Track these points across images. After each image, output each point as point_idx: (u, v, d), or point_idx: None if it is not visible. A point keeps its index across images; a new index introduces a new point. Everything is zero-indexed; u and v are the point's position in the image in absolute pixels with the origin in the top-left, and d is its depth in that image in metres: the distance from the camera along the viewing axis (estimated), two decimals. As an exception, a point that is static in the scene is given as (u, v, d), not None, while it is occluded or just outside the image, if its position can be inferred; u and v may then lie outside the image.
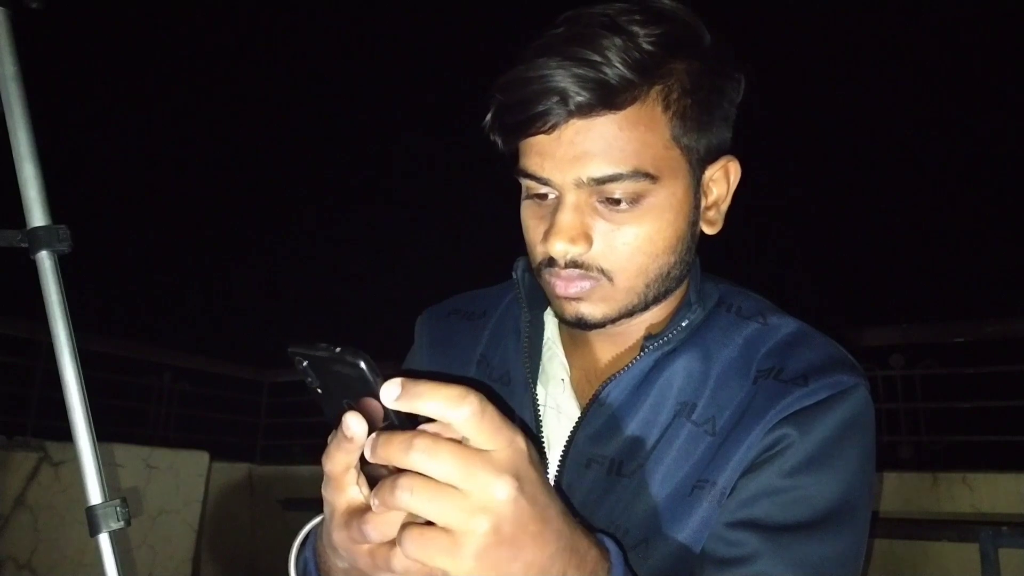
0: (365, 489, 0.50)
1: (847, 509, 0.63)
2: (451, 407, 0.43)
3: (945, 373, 3.60)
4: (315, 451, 0.53)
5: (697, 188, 0.69)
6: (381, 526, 0.47)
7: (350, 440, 0.46)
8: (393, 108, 12.76)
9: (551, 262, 0.67)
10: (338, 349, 0.45)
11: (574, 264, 0.66)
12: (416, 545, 0.43)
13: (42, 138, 1.25)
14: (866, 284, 9.70)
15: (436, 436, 0.43)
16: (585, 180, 0.64)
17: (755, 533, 0.62)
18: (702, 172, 0.69)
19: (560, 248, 0.65)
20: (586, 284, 0.67)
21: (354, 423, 0.46)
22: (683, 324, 0.71)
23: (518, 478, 0.44)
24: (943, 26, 9.43)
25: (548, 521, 0.46)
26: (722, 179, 0.72)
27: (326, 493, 0.52)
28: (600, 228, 0.66)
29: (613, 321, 0.70)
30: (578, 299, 0.68)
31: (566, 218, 0.65)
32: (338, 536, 0.52)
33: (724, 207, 0.73)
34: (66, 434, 1.19)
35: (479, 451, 0.44)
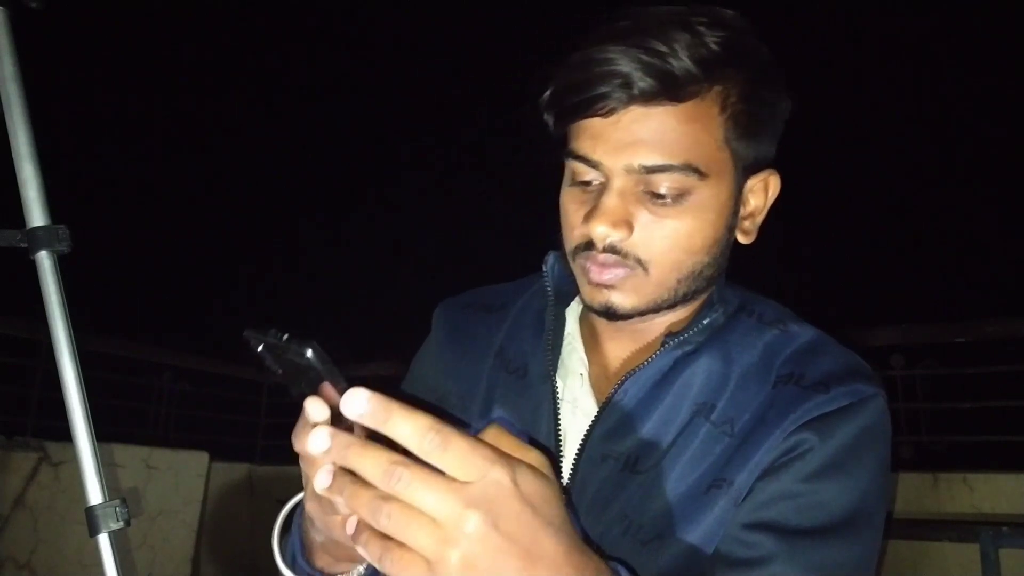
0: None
1: (863, 516, 0.64)
2: (415, 438, 0.43)
3: (945, 373, 3.60)
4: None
5: (739, 195, 0.70)
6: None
7: (313, 425, 0.47)
8: (393, 109, 12.76)
9: (588, 245, 0.67)
10: (286, 337, 0.45)
11: (612, 249, 0.66)
12: (396, 566, 0.43)
13: (42, 138, 1.25)
14: (866, 284, 9.70)
15: (415, 465, 0.43)
16: (636, 167, 0.64)
17: (771, 535, 0.62)
18: (745, 180, 0.70)
19: (601, 231, 0.65)
20: (620, 272, 0.67)
21: (314, 410, 0.47)
22: (704, 323, 0.71)
23: (490, 512, 0.43)
24: (944, 25, 9.43)
25: (535, 559, 0.44)
26: (761, 191, 0.73)
27: (302, 466, 0.53)
28: (642, 218, 0.66)
29: (641, 314, 0.70)
30: (610, 287, 0.68)
31: (611, 202, 0.65)
32: (311, 507, 0.53)
33: (759, 219, 0.74)
34: (66, 434, 1.19)
35: (453, 482, 0.43)
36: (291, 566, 0.65)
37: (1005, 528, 2.46)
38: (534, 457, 0.47)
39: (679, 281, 0.69)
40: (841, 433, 0.64)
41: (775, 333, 0.72)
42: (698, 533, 0.64)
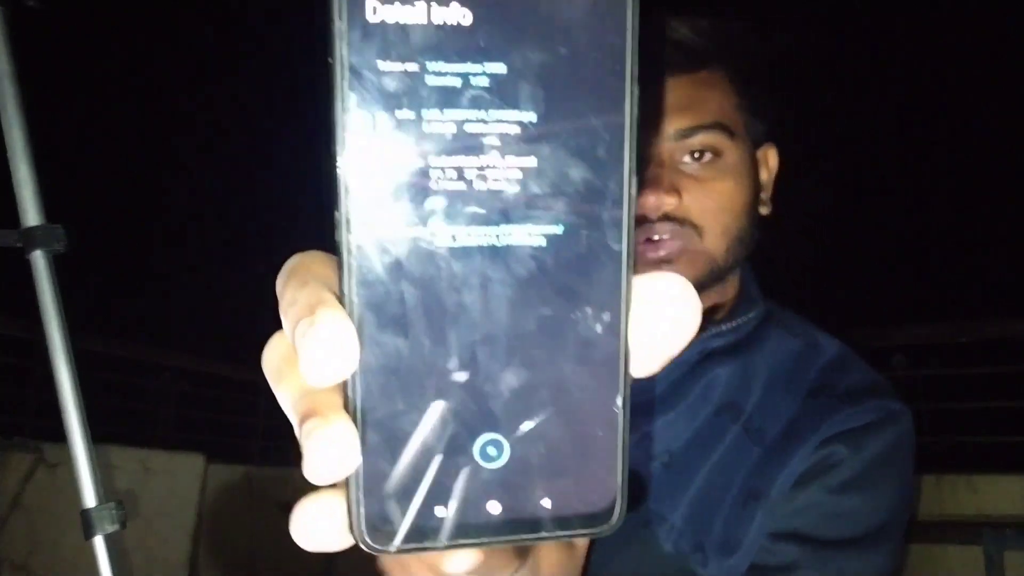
0: None
1: (887, 530, 0.65)
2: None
3: (948, 374, 3.59)
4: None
5: (755, 161, 0.73)
6: None
7: None
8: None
9: (639, 221, 0.67)
10: None
11: (666, 217, 0.67)
12: None
13: (37, 137, 1.24)
14: (866, 284, 9.70)
15: None
16: (671, 133, 0.67)
17: (797, 545, 0.63)
18: (755, 150, 0.74)
19: (654, 200, 0.66)
20: (675, 245, 0.67)
21: None
22: (734, 323, 0.71)
23: None
24: (945, 23, 9.45)
25: None
26: (764, 164, 0.76)
27: None
28: (686, 184, 0.67)
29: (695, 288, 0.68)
30: (667, 262, 0.68)
31: (654, 171, 0.67)
32: None
33: (770, 191, 0.76)
34: (63, 435, 1.17)
35: None
36: None
37: (1009, 530, 2.45)
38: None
39: (728, 248, 0.69)
40: (871, 447, 0.65)
41: (803, 344, 0.73)
42: (742, 552, 0.64)
